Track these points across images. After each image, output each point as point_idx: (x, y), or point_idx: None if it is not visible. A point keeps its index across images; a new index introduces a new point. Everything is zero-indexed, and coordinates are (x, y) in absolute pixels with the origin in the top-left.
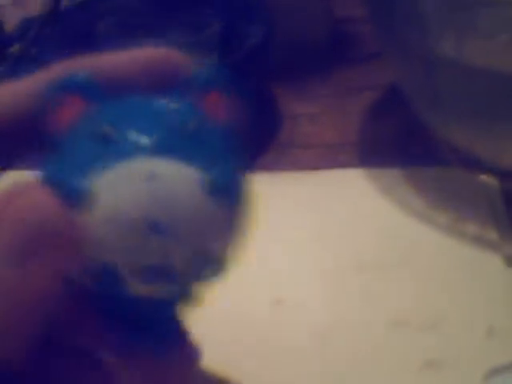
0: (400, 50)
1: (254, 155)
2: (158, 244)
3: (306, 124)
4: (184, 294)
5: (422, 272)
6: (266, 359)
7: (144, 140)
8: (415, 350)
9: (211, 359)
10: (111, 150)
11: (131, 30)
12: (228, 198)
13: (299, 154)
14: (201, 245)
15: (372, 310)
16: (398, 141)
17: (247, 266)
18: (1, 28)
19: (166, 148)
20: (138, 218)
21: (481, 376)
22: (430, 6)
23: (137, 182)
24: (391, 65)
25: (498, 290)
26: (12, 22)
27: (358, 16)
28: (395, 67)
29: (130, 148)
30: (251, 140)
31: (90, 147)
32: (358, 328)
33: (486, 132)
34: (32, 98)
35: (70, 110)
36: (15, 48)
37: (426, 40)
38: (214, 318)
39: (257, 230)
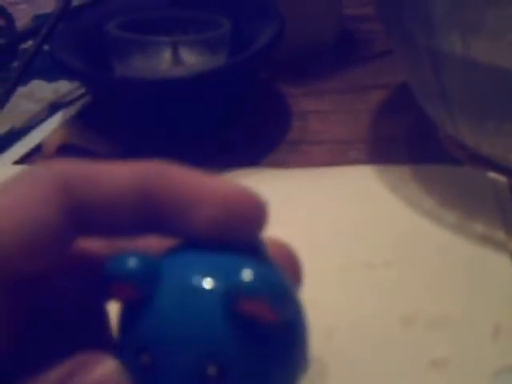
0: (408, 48)
1: (265, 152)
2: None
3: (315, 121)
4: None
5: (429, 270)
6: None
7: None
8: (422, 349)
9: None
10: (149, 380)
11: (141, 28)
12: None
13: (309, 151)
14: None
15: (380, 307)
16: (407, 138)
17: None
18: (13, 24)
19: None
20: None
21: (488, 375)
22: (437, 4)
23: None
24: (400, 63)
25: (505, 289)
26: (24, 18)
27: (367, 14)
28: (404, 65)
29: None
30: (262, 137)
31: (132, 364)
32: (365, 326)
33: (494, 130)
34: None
35: (121, 295)
36: (28, 44)
37: (434, 38)
38: None
39: (267, 226)
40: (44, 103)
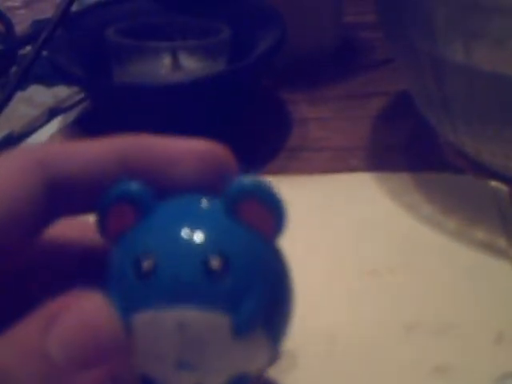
0: (409, 55)
1: (265, 159)
2: (190, 376)
3: (316, 128)
4: None
5: (431, 277)
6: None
7: (177, 282)
8: (424, 355)
9: None
10: (148, 287)
11: (141, 34)
12: (259, 331)
13: (309, 158)
14: (235, 371)
15: (381, 314)
16: (408, 146)
17: None
18: (12, 30)
19: (195, 292)
20: (169, 357)
21: (490, 382)
22: (439, 12)
23: (168, 329)
24: (401, 70)
25: (507, 296)
26: (23, 23)
27: (368, 22)
28: (405, 73)
29: (165, 292)
30: (262, 144)
31: (130, 277)
32: (368, 332)
33: (495, 138)
34: (94, 168)
35: (121, 220)
36: (27, 50)
37: (435, 46)
38: None
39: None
40: (43, 108)
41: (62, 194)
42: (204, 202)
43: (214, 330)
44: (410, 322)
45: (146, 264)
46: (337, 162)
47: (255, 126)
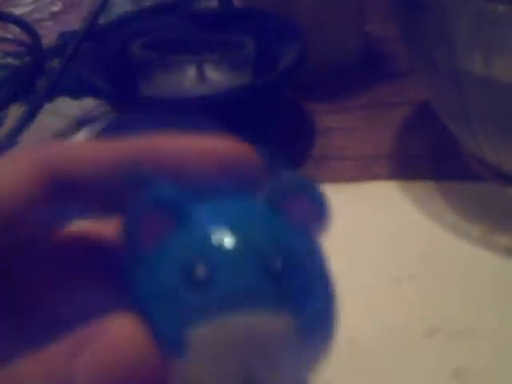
0: (430, 67)
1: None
2: None
3: (340, 137)
4: None
5: (454, 283)
6: None
7: (239, 287)
8: (446, 359)
9: None
10: (207, 297)
11: (166, 48)
12: (319, 335)
13: (334, 167)
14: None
15: (406, 320)
16: (431, 155)
17: None
18: (39, 42)
19: (260, 295)
20: (237, 372)
21: None
22: (460, 24)
23: (234, 337)
24: (422, 81)
25: None
26: (49, 36)
27: (391, 33)
28: (426, 84)
29: (227, 296)
30: (287, 154)
31: (180, 288)
32: (388, 337)
33: None
34: (108, 169)
35: (156, 227)
36: (54, 62)
37: (455, 57)
38: None
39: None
40: (70, 120)
41: (70, 195)
42: (243, 202)
43: (281, 335)
44: (431, 326)
45: (200, 272)
46: (361, 171)
47: (279, 137)
